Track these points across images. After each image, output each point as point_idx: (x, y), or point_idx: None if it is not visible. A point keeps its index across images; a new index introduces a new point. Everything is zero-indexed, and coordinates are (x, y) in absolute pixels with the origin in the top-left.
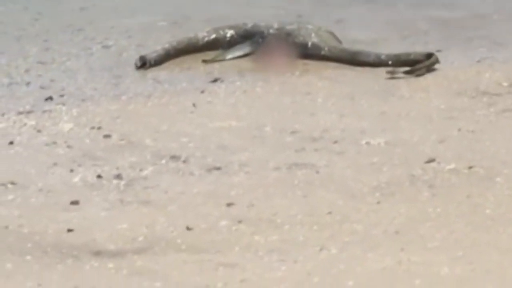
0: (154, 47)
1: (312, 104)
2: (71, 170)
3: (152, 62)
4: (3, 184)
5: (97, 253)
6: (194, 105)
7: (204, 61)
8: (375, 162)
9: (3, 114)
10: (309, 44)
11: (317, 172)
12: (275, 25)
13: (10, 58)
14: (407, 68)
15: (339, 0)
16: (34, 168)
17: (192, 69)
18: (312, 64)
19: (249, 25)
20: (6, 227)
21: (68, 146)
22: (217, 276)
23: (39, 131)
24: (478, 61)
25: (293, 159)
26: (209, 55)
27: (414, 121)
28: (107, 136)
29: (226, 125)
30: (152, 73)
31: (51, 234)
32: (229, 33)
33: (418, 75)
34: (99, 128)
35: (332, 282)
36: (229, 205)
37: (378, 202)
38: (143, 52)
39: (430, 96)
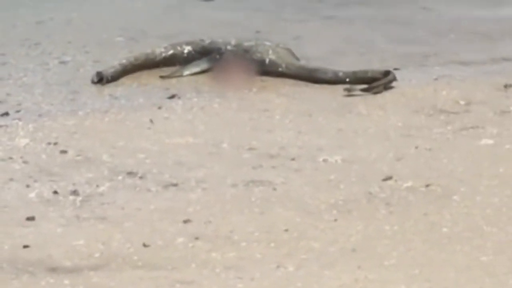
0: (111, 63)
1: (269, 121)
2: (27, 186)
3: (109, 77)
4: None
5: (53, 270)
6: (151, 121)
7: (162, 77)
8: (332, 179)
9: None
10: (267, 60)
11: (274, 189)
12: (233, 42)
13: None
14: (364, 86)
15: (297, 17)
16: None
17: (149, 85)
18: (269, 80)
19: (207, 41)
20: None
21: (24, 162)
22: None
23: None
24: (435, 79)
25: (250, 176)
26: (167, 71)
27: (371, 139)
28: (63, 152)
29: (183, 141)
30: (109, 88)
31: (7, 250)
32: (187, 49)
33: (375, 93)
34: (55, 143)
35: None
36: (186, 221)
37: (335, 220)
38: (100, 68)
39: (388, 113)
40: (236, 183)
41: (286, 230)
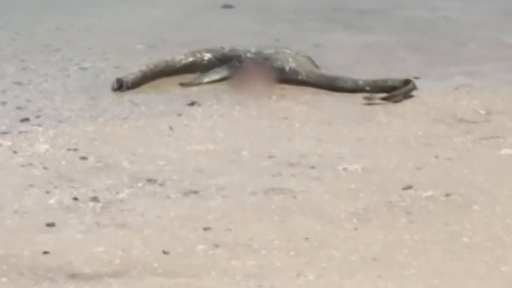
0: (131, 69)
1: (289, 129)
2: (47, 192)
3: (129, 84)
4: None
5: (73, 276)
6: (171, 128)
7: (181, 84)
8: (353, 188)
9: None
10: (287, 68)
11: (294, 197)
12: (253, 49)
13: None
14: (384, 94)
15: (317, 25)
16: (10, 189)
17: (169, 92)
18: (289, 88)
19: (227, 49)
20: None
21: (44, 168)
22: None
23: (15, 152)
24: (456, 88)
25: (270, 183)
26: (186, 78)
27: (391, 148)
28: (83, 158)
29: (203, 148)
30: (129, 95)
31: (27, 256)
32: (207, 56)
33: (395, 102)
34: (75, 149)
35: None
36: (206, 229)
37: (356, 228)
38: (120, 74)
39: (408, 122)
40: (256, 191)
41: (307, 239)
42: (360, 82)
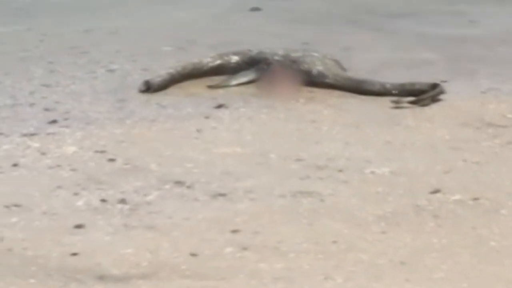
0: (158, 72)
1: (317, 132)
2: (75, 194)
3: (157, 86)
4: (7, 207)
5: (101, 278)
6: (198, 130)
7: (209, 87)
8: (380, 192)
9: (7, 136)
10: (314, 71)
11: (322, 200)
12: (281, 52)
13: (15, 80)
14: (412, 98)
15: (345, 28)
16: (38, 191)
17: (196, 95)
18: (317, 91)
19: (254, 51)
20: (10, 249)
21: (72, 169)
22: None
23: (43, 153)
24: (483, 92)
25: (298, 186)
26: (214, 80)
27: (419, 151)
28: (111, 160)
29: (230, 151)
30: (157, 97)
31: (55, 258)
32: (234, 59)
33: (423, 105)
34: (103, 151)
35: None
36: (234, 231)
37: (384, 232)
38: (148, 77)
39: (435, 126)
40: (284, 194)
41: (334, 242)
42: (388, 86)
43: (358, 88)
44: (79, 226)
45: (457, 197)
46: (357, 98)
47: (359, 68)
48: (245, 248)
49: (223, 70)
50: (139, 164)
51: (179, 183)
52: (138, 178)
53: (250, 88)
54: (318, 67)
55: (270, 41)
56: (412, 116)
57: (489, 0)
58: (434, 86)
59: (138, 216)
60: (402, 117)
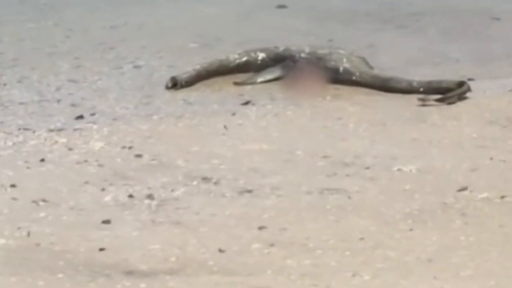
0: (185, 68)
1: (343, 129)
2: (103, 189)
3: (183, 83)
4: (35, 202)
5: (129, 273)
6: (225, 127)
7: (235, 83)
8: (407, 189)
9: (34, 131)
10: (341, 69)
11: (349, 197)
12: (307, 49)
13: (42, 75)
14: (438, 96)
15: (370, 25)
16: (65, 186)
17: (223, 91)
18: (343, 89)
19: (281, 48)
20: (38, 244)
21: (99, 165)
22: None
23: (70, 149)
24: (510, 90)
25: (325, 183)
26: (240, 77)
27: (446, 149)
28: (138, 156)
29: (257, 148)
30: (183, 94)
31: (83, 253)
32: (261, 56)
33: (449, 103)
34: (130, 147)
35: None
36: (261, 228)
37: (411, 229)
38: (174, 73)
39: (462, 124)
40: (311, 190)
41: (362, 239)
42: (414, 83)
43: (385, 86)
44: (106, 222)
45: (484, 195)
46: (383, 95)
47: (384, 66)
48: (272, 245)
49: (250, 67)
50: (166, 160)
51: (206, 179)
52: (165, 174)
53: (276, 85)
54: (344, 65)
55: (296, 38)
56: (438, 114)
57: None
58: (461, 84)
59: (165, 211)
60: (429, 114)
